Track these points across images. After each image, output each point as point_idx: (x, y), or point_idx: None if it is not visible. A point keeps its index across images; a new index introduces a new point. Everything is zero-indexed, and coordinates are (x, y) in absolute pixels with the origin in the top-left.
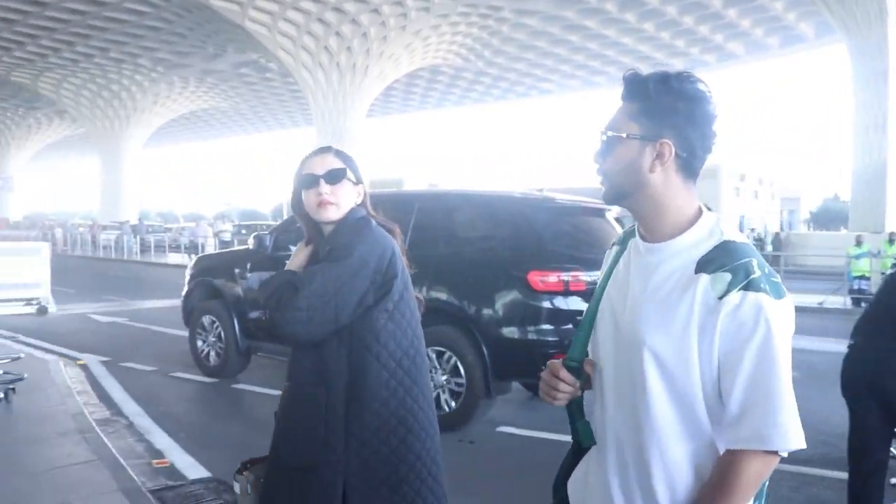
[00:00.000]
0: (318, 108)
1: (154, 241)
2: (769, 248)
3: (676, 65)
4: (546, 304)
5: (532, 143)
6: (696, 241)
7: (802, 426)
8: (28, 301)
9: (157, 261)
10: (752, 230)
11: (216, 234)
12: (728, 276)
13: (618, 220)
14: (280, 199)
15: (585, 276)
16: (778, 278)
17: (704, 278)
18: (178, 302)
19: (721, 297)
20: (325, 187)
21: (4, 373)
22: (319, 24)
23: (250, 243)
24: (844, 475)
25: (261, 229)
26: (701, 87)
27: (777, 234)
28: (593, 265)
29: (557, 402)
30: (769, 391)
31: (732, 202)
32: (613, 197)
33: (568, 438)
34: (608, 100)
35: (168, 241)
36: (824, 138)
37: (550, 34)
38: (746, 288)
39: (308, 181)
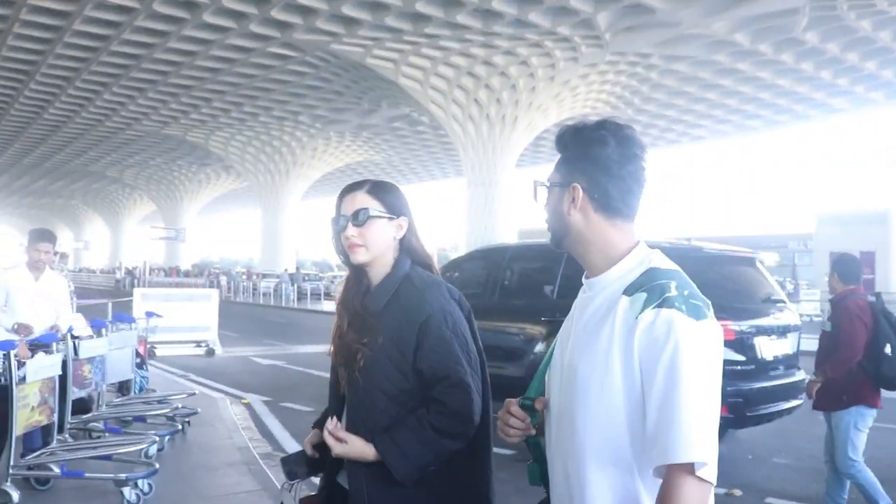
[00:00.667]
0: (469, 159)
1: (311, 289)
2: None
3: (838, 104)
4: None
5: (683, 189)
6: (626, 272)
7: None
8: (198, 343)
9: (313, 308)
10: None
11: None
12: (644, 296)
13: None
14: (429, 249)
15: (734, 326)
16: (702, 302)
17: (624, 300)
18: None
19: (637, 316)
20: (351, 229)
21: (182, 407)
22: (469, 77)
23: None
24: None
25: None
26: (607, 133)
27: None
28: (743, 314)
29: (510, 438)
30: (676, 406)
31: None
32: (553, 241)
33: None
34: (763, 144)
35: (323, 288)
36: None
37: (701, 79)
38: (660, 305)
39: (337, 222)
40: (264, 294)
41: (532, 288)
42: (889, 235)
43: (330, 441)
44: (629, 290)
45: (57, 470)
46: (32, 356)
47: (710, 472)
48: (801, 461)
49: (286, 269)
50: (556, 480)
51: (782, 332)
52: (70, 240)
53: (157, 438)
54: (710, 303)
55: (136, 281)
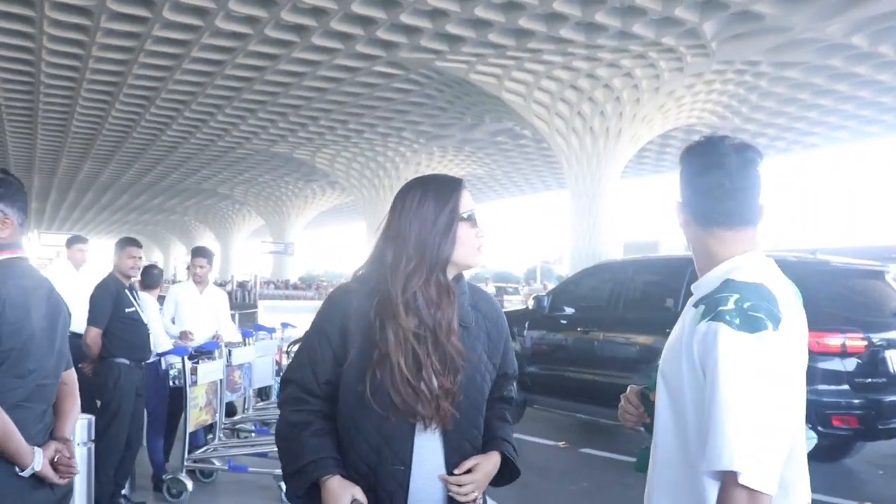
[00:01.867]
0: (572, 171)
1: None
2: None
3: None
4: (822, 366)
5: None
6: (711, 281)
7: None
8: None
9: None
10: None
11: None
12: (703, 307)
13: None
14: (533, 262)
15: (863, 338)
16: (766, 315)
17: (692, 310)
18: None
19: (696, 326)
20: (481, 229)
21: None
22: (573, 90)
23: (529, 304)
24: None
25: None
26: (688, 151)
27: None
28: (871, 327)
29: (626, 423)
30: (716, 416)
31: None
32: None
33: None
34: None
35: None
36: None
37: (814, 85)
38: (713, 318)
39: (470, 217)
40: None
41: (656, 300)
42: None
43: (465, 491)
44: (698, 302)
45: (223, 465)
46: (196, 363)
47: (758, 481)
48: None
49: None
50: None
51: None
52: (183, 254)
53: None
54: (781, 317)
55: (247, 294)
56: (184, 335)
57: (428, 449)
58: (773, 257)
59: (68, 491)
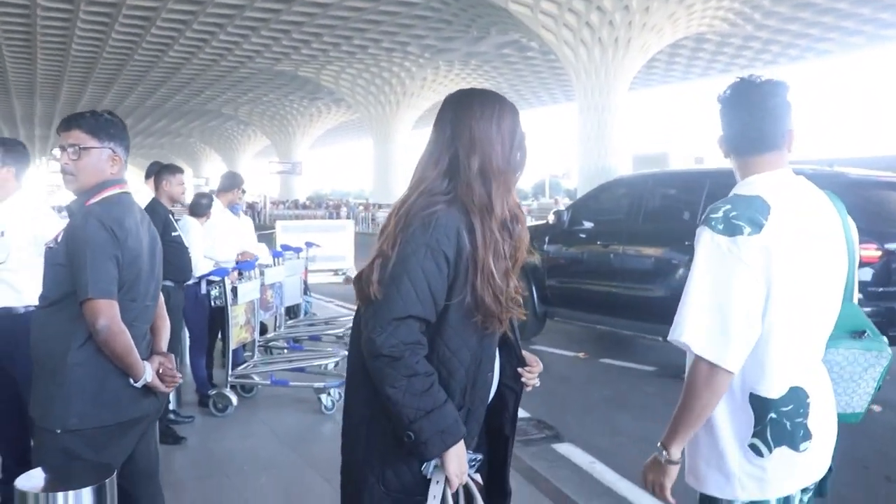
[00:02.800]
0: (581, 84)
1: None
2: None
3: None
4: None
5: (813, 109)
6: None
7: None
8: (335, 271)
9: None
10: None
11: None
12: (704, 215)
13: None
14: (541, 176)
15: (878, 248)
16: (746, 222)
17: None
18: None
19: (697, 229)
20: None
21: (349, 328)
22: (581, 0)
23: (550, 218)
24: None
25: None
26: (723, 94)
27: None
28: (886, 237)
29: None
30: (683, 298)
31: None
32: None
33: None
34: None
35: None
36: None
37: None
38: (703, 223)
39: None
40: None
41: (674, 213)
42: None
43: (534, 380)
44: (705, 212)
45: (265, 380)
46: (237, 282)
47: (710, 353)
48: None
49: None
50: None
51: None
52: (190, 176)
53: (344, 353)
54: (761, 224)
55: (256, 215)
56: (247, 254)
57: (497, 360)
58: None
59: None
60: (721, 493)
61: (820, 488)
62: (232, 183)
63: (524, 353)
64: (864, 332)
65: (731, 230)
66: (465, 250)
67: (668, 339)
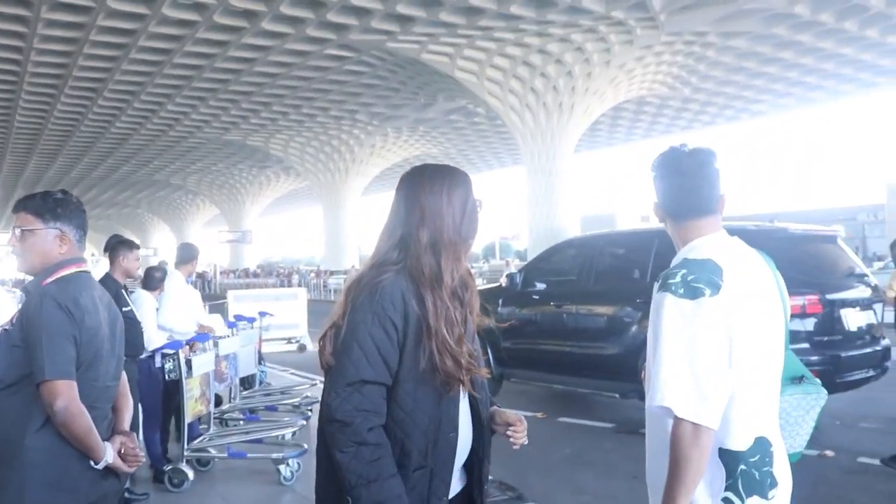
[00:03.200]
0: (528, 147)
1: None
2: None
3: None
4: None
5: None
6: (676, 260)
7: None
8: (288, 340)
9: None
10: None
11: None
12: (660, 282)
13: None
14: (492, 238)
15: (821, 299)
16: (706, 284)
17: (656, 284)
18: None
19: (654, 295)
20: None
21: (305, 397)
22: (525, 66)
23: (502, 281)
24: None
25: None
26: (656, 163)
27: None
28: (829, 288)
29: None
30: (656, 364)
31: None
32: None
33: None
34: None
35: None
36: None
37: (760, 54)
38: (661, 289)
39: (480, 206)
40: (335, 290)
41: (624, 273)
42: None
43: (521, 438)
44: (659, 277)
45: (222, 453)
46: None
47: (691, 413)
48: (888, 425)
49: (354, 266)
50: None
51: (866, 304)
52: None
53: (302, 423)
54: (719, 285)
55: (206, 284)
56: (203, 328)
57: (464, 413)
58: (735, 227)
59: (127, 477)
60: None
61: None
62: (191, 254)
63: (508, 413)
64: (803, 376)
65: (693, 293)
66: (412, 315)
67: (649, 406)
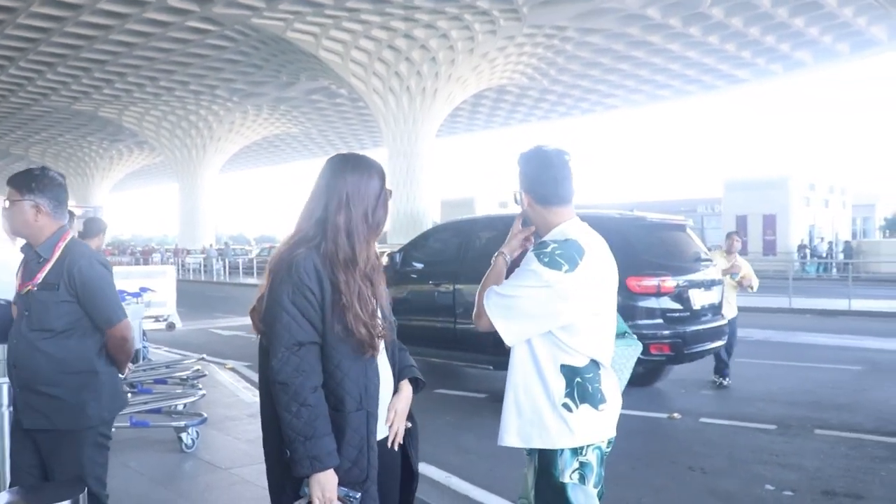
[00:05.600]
0: (390, 130)
1: (242, 264)
2: (840, 255)
3: (741, 75)
4: (641, 304)
5: (600, 157)
6: (548, 237)
7: (867, 410)
8: (157, 318)
9: (245, 282)
10: (822, 239)
11: None
12: (535, 247)
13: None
14: None
15: (673, 280)
16: (566, 260)
17: (530, 252)
18: None
19: (527, 255)
20: None
21: (196, 370)
22: (390, 50)
23: (383, 261)
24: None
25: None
26: (527, 158)
27: (847, 243)
28: (679, 271)
29: None
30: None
31: (802, 212)
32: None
33: None
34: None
35: (258, 263)
36: None
37: (615, 51)
38: (534, 249)
39: (389, 195)
40: (194, 270)
41: (494, 252)
42: (788, 199)
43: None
44: (534, 247)
45: (124, 423)
46: None
47: (509, 337)
48: (723, 392)
49: (212, 245)
50: None
51: (709, 285)
52: None
53: (202, 393)
54: (577, 263)
55: None
56: None
57: (384, 367)
58: (601, 215)
59: None
60: (542, 444)
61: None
62: (98, 227)
63: (398, 402)
64: (625, 332)
65: (553, 265)
66: (325, 284)
67: (487, 309)
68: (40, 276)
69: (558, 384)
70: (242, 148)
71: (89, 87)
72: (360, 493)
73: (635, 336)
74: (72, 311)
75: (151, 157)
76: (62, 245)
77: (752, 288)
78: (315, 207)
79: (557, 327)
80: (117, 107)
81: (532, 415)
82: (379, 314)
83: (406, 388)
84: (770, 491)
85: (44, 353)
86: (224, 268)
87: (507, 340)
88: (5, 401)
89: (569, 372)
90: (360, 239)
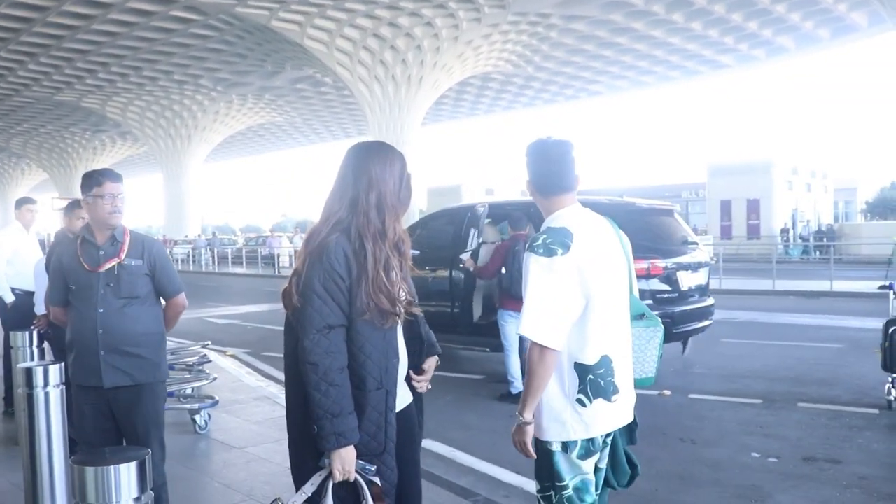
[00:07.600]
0: (375, 119)
1: (231, 253)
2: (823, 239)
3: (724, 61)
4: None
5: (585, 144)
6: (543, 228)
7: (845, 385)
8: None
9: (234, 271)
10: (806, 222)
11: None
12: (529, 243)
13: None
14: None
15: (662, 263)
16: (559, 246)
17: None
18: (279, 305)
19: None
20: None
21: (202, 356)
22: (375, 38)
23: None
24: (871, 410)
25: None
26: (530, 149)
27: (830, 226)
28: (668, 254)
29: None
30: (524, 304)
31: (785, 196)
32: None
33: None
34: (657, 99)
35: (246, 253)
36: (881, 127)
37: (598, 38)
38: (528, 249)
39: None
40: (182, 260)
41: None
42: (772, 184)
43: (424, 386)
44: (529, 242)
45: None
46: None
47: (538, 338)
48: (711, 370)
49: (200, 234)
50: None
51: (696, 267)
52: None
53: (214, 377)
54: (569, 246)
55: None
56: None
57: (400, 342)
58: (592, 201)
59: None
60: (559, 437)
61: (630, 438)
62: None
63: (428, 360)
64: (643, 314)
65: (549, 253)
66: (353, 268)
67: (518, 332)
68: (122, 254)
69: (572, 381)
70: (227, 138)
71: (72, 77)
72: (375, 466)
73: (657, 317)
74: (148, 282)
75: (135, 147)
76: (127, 229)
77: None
78: (345, 189)
79: (579, 314)
80: (100, 97)
81: (548, 410)
82: (403, 291)
83: (432, 361)
84: (756, 458)
85: (130, 317)
86: (213, 258)
87: (556, 346)
88: (57, 380)
89: (582, 370)
90: (391, 213)
